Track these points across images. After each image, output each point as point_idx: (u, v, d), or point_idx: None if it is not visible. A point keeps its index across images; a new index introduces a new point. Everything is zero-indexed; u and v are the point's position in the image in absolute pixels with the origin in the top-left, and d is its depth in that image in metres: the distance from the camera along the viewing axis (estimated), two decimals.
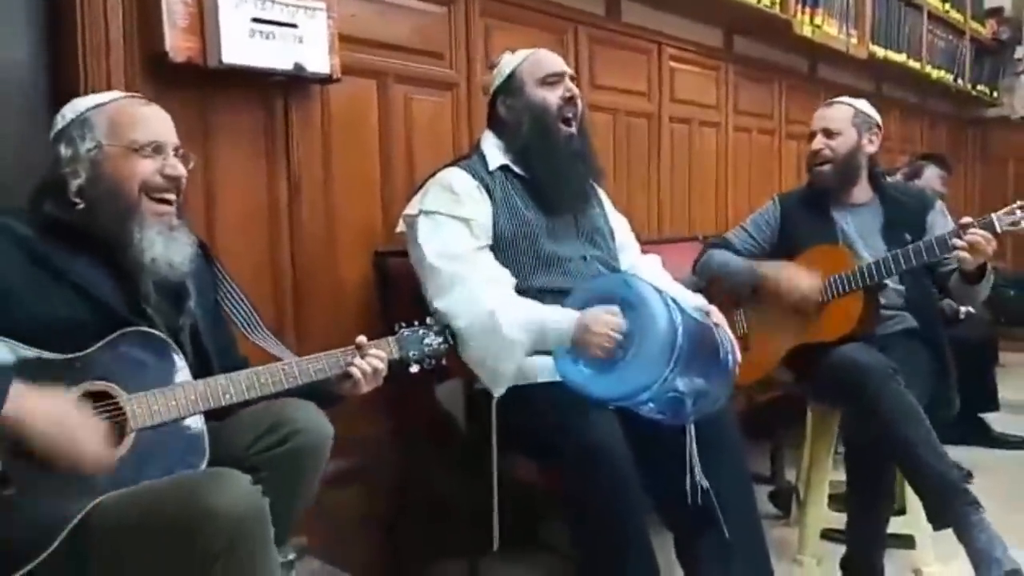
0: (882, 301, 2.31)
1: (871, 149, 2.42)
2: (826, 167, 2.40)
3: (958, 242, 2.06)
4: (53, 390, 1.21)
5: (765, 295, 2.37)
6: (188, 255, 1.43)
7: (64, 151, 1.37)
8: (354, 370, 1.51)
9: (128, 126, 1.39)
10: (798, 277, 2.29)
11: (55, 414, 1.18)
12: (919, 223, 2.33)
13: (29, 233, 1.32)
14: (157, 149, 1.40)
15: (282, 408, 1.42)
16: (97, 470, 1.22)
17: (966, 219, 2.08)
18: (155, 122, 1.42)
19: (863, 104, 2.47)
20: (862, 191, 2.43)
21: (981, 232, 2.04)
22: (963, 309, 3.14)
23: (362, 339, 1.54)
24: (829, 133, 2.40)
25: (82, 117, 1.39)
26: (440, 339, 1.66)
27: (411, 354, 1.62)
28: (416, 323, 1.66)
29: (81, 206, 1.35)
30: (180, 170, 1.41)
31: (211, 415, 1.41)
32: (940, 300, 2.58)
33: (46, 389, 1.20)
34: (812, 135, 2.45)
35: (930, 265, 2.26)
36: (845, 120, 2.40)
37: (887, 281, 2.27)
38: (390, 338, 1.61)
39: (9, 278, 1.27)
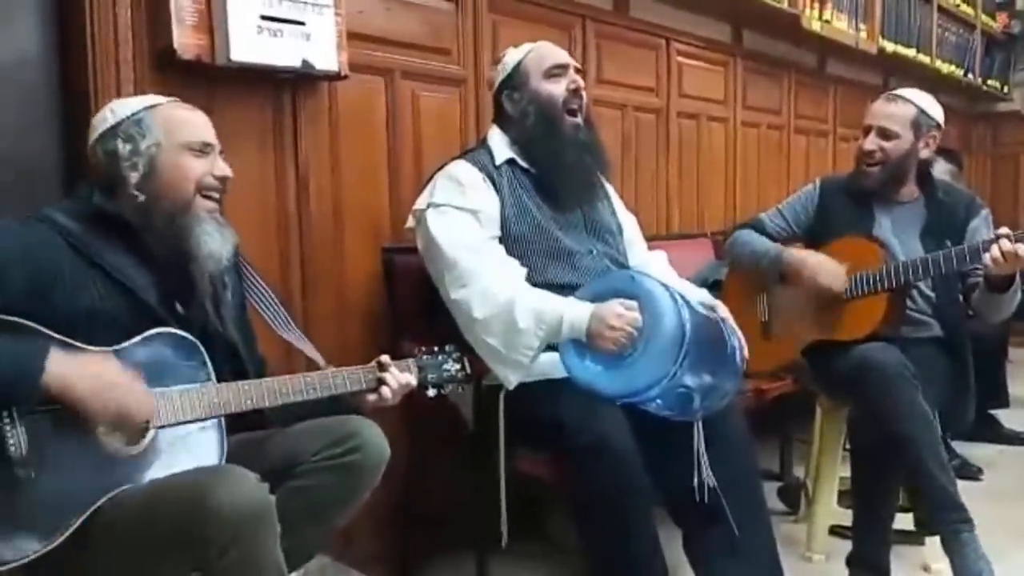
0: (910, 304, 2.25)
1: (925, 154, 2.28)
2: (874, 169, 2.27)
3: (986, 256, 1.99)
4: (88, 354, 1.26)
5: (789, 282, 2.30)
6: (232, 250, 1.48)
7: (122, 147, 1.41)
8: (388, 379, 1.56)
9: (181, 128, 1.45)
10: (821, 266, 2.22)
11: (95, 372, 1.23)
12: (960, 229, 2.24)
13: (73, 225, 1.36)
14: (206, 150, 1.45)
15: (351, 423, 1.48)
16: (144, 415, 1.28)
17: (1004, 230, 2.00)
18: (202, 125, 1.48)
19: (928, 102, 2.29)
20: (908, 189, 2.32)
21: (1013, 246, 1.96)
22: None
23: (385, 358, 1.58)
24: (885, 134, 2.25)
25: (136, 116, 1.44)
26: (458, 366, 1.70)
27: (430, 378, 1.66)
28: (436, 348, 1.69)
29: (141, 199, 1.40)
30: (228, 171, 1.48)
31: (275, 421, 1.50)
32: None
33: (81, 353, 1.25)
34: (867, 129, 2.29)
35: (960, 274, 2.19)
36: (904, 122, 2.25)
37: (920, 285, 2.22)
38: (410, 360, 1.65)
39: (51, 268, 1.31)
